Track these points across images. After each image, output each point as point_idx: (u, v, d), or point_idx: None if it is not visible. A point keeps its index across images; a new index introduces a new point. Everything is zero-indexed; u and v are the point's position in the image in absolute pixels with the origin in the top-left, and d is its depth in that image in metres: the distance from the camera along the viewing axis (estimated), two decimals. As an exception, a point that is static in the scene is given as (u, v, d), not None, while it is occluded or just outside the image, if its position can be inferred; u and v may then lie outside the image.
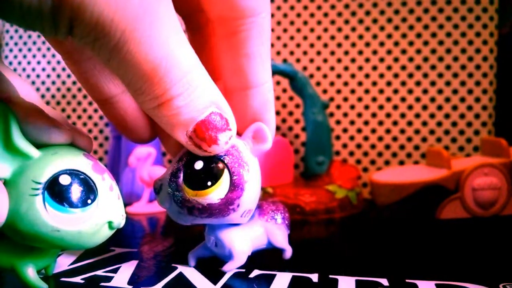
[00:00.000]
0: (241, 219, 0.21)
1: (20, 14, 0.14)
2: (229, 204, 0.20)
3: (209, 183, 0.20)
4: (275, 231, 0.24)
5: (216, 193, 0.20)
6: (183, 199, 0.20)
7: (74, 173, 0.18)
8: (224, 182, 0.20)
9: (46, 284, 0.20)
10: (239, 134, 0.22)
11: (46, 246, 0.19)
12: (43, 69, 0.61)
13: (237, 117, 0.21)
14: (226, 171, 0.20)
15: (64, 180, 0.18)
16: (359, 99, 0.51)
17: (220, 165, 0.20)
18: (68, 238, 0.18)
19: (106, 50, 0.15)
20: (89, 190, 0.18)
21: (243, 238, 0.23)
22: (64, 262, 0.24)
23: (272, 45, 0.52)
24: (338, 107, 0.52)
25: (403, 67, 0.50)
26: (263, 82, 0.21)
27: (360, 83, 0.51)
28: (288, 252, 0.25)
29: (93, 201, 0.18)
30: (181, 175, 0.21)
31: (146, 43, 0.15)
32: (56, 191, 0.17)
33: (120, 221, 0.19)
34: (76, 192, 0.18)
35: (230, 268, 0.22)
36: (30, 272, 0.20)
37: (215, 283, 0.21)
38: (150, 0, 0.15)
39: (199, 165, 0.20)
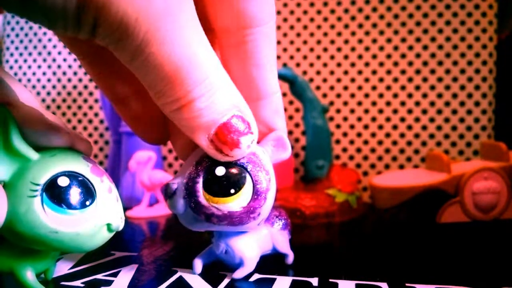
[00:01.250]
0: (256, 227, 0.21)
1: (44, 12, 0.14)
2: (250, 213, 0.20)
3: (232, 191, 0.19)
4: (278, 237, 0.24)
5: (238, 201, 0.20)
6: (202, 205, 0.20)
7: (72, 175, 0.18)
8: (247, 190, 0.20)
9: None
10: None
11: (44, 248, 0.19)
12: (44, 73, 0.62)
13: None
14: (249, 179, 0.20)
15: (63, 181, 0.18)
16: (359, 103, 0.51)
17: (244, 172, 0.20)
18: (66, 239, 0.18)
19: (128, 51, 0.15)
20: (88, 192, 0.18)
21: (252, 245, 0.23)
22: (64, 266, 0.24)
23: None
24: (338, 111, 0.52)
25: (403, 71, 0.50)
26: (274, 91, 0.21)
27: (359, 87, 0.51)
28: (290, 257, 0.25)
29: (91, 203, 0.18)
30: (201, 180, 0.20)
31: (169, 44, 0.15)
32: (54, 193, 0.18)
33: (119, 223, 0.19)
34: (74, 193, 0.18)
35: (241, 275, 0.22)
36: (29, 275, 0.20)
37: (215, 287, 0.21)
38: (174, 2, 0.15)
39: (221, 171, 0.20)
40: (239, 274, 0.22)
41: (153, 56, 0.15)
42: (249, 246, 0.22)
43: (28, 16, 0.14)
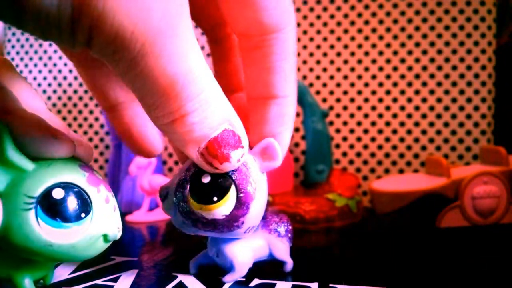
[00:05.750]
0: (244, 234, 0.21)
1: (37, 22, 0.13)
2: (233, 221, 0.20)
3: (215, 199, 0.20)
4: (277, 244, 0.24)
5: (221, 209, 0.20)
6: (188, 210, 0.20)
7: (68, 187, 0.18)
8: (230, 199, 0.20)
9: None
10: (250, 147, 0.21)
11: (40, 259, 0.19)
12: (45, 78, 0.62)
13: (253, 126, 0.21)
14: (233, 188, 0.20)
15: (57, 194, 0.18)
16: (359, 108, 0.51)
17: (228, 181, 0.20)
18: (62, 251, 0.18)
19: (124, 63, 0.15)
20: (83, 204, 0.18)
21: (244, 250, 0.23)
22: (64, 271, 0.24)
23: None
24: (338, 115, 0.52)
25: (402, 76, 0.50)
26: (283, 95, 0.21)
27: (359, 92, 0.51)
28: (289, 265, 0.25)
29: (87, 214, 0.18)
30: (188, 186, 0.20)
31: (165, 58, 0.15)
32: (49, 206, 0.17)
33: (115, 233, 0.19)
34: (69, 206, 0.18)
35: (231, 280, 0.22)
36: (27, 283, 0.20)
37: (215, 292, 0.21)
38: (172, 15, 0.15)
39: (206, 179, 0.20)
40: (228, 278, 0.22)
41: (149, 69, 0.15)
42: (241, 251, 0.22)
43: (21, 26, 0.14)
